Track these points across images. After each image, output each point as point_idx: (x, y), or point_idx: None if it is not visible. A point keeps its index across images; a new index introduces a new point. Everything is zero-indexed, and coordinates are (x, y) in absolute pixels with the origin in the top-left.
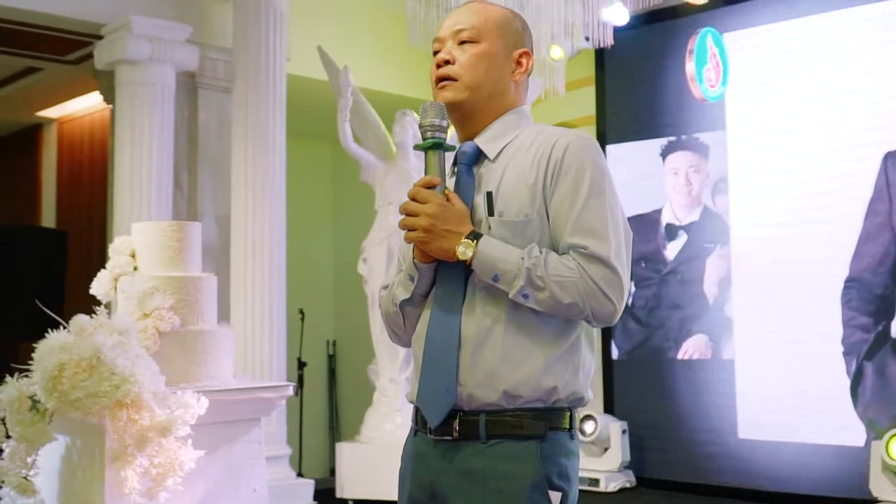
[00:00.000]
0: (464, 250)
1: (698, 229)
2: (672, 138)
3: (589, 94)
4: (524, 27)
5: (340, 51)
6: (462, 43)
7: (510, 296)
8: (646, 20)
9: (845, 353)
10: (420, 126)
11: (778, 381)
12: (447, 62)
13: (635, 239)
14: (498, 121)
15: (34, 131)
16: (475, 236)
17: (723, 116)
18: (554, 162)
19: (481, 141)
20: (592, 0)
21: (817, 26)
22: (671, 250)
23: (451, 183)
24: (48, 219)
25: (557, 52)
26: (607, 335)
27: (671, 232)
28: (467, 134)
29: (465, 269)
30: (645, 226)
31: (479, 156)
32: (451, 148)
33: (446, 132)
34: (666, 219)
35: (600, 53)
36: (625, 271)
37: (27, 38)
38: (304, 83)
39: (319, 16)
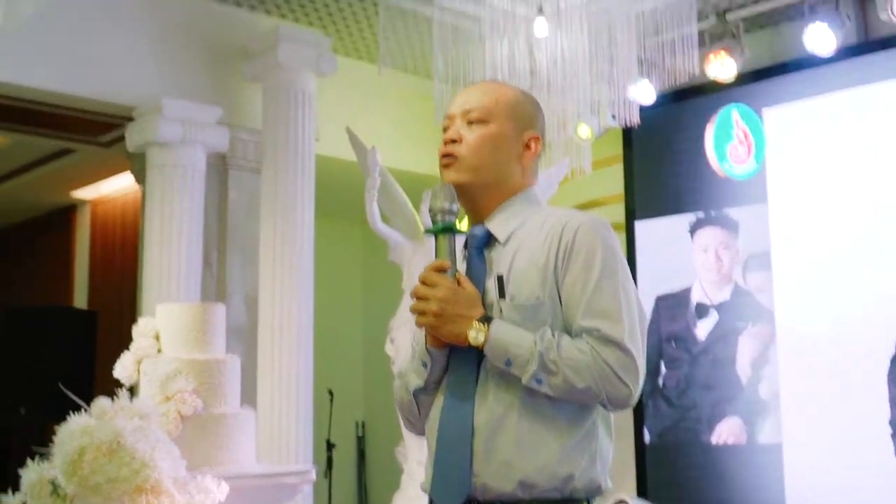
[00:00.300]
0: (475, 335)
1: (729, 308)
2: (700, 214)
3: (616, 171)
4: (537, 109)
5: (368, 131)
6: (471, 122)
7: (523, 381)
8: (673, 98)
9: (893, 435)
10: (430, 210)
11: (823, 464)
12: (454, 141)
13: (665, 318)
14: (507, 203)
15: (68, 212)
16: (487, 320)
17: (753, 192)
18: (565, 244)
19: (491, 224)
20: (618, 79)
21: (858, 98)
22: (702, 329)
23: (463, 266)
24: (80, 299)
25: (584, 131)
26: (639, 417)
27: (701, 311)
28: (477, 216)
29: (477, 355)
30: (674, 304)
31: (489, 239)
32: (462, 232)
33: (457, 216)
34: (696, 297)
35: (627, 132)
36: (639, 354)
37: (61, 121)
38: (333, 163)
39: (348, 97)
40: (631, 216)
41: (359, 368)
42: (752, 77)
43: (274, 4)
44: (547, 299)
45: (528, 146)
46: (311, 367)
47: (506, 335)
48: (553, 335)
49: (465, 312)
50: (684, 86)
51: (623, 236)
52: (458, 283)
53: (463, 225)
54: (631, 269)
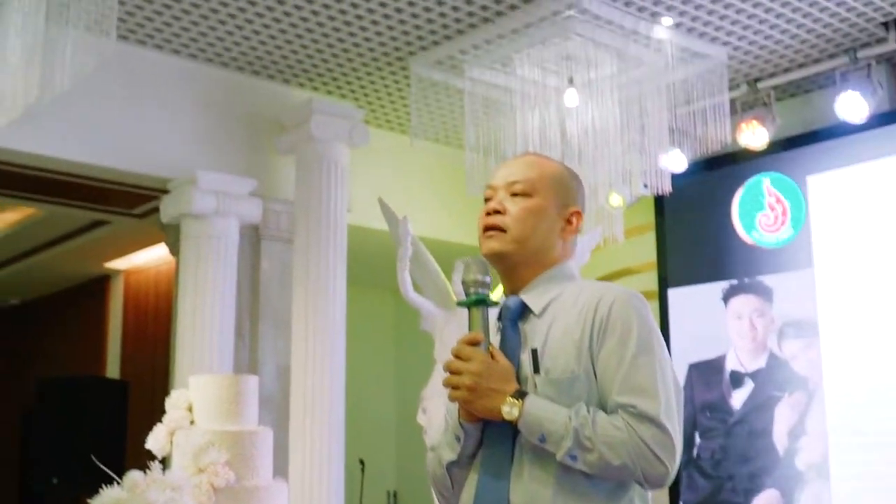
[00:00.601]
0: (509, 409)
1: (765, 376)
2: (734, 281)
3: (649, 240)
4: (579, 185)
5: (400, 201)
6: (514, 195)
7: (558, 457)
8: (705, 166)
9: None
10: (463, 282)
11: None
12: (497, 212)
13: (699, 387)
14: (543, 275)
15: (102, 282)
16: (521, 395)
17: (788, 259)
18: (600, 318)
19: (526, 296)
20: (650, 148)
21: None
22: (737, 399)
23: (496, 338)
24: (113, 369)
25: (616, 200)
26: (674, 490)
27: (736, 379)
28: (512, 287)
29: (512, 430)
30: (708, 373)
31: (524, 311)
32: (495, 304)
33: (489, 288)
34: (730, 365)
35: (659, 200)
36: (676, 431)
37: (96, 193)
38: (365, 233)
39: (380, 167)
40: (664, 284)
41: (391, 438)
42: (785, 145)
43: (307, 77)
44: (582, 374)
45: (569, 221)
46: (342, 437)
47: (540, 410)
48: (588, 411)
49: (499, 387)
50: (717, 154)
51: (656, 304)
52: (492, 356)
53: (497, 293)
54: (664, 337)
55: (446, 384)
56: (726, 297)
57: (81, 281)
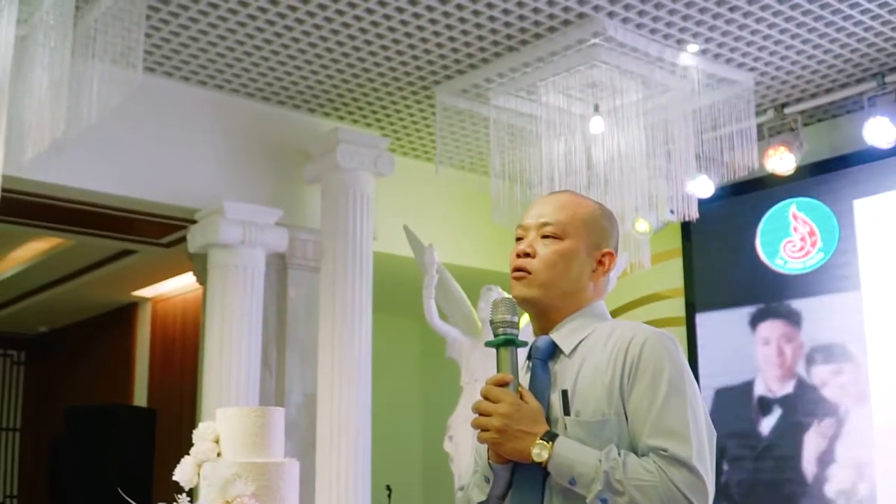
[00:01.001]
0: (539, 452)
1: (793, 402)
2: (761, 306)
3: (675, 265)
4: (612, 225)
5: (426, 228)
6: (546, 237)
7: (588, 501)
8: (732, 191)
9: None
10: (491, 322)
11: None
12: (527, 254)
13: (726, 413)
14: (574, 316)
15: (129, 310)
16: (551, 437)
17: (817, 284)
18: (631, 360)
19: (556, 336)
20: (676, 174)
21: None
22: (765, 425)
23: (525, 378)
24: (140, 396)
25: (643, 226)
26: None
27: (765, 405)
28: (542, 326)
29: (542, 472)
30: (735, 398)
31: (554, 351)
32: (523, 343)
33: (518, 327)
34: (758, 391)
35: (686, 225)
36: (708, 474)
37: (123, 223)
38: (392, 260)
39: (405, 195)
40: (691, 309)
41: (417, 464)
42: (813, 170)
43: (332, 107)
44: (612, 416)
45: (601, 262)
46: (368, 465)
47: (570, 453)
48: (619, 454)
49: (529, 429)
50: (744, 179)
51: (683, 330)
52: (521, 396)
53: (524, 319)
54: (691, 363)
55: (475, 426)
56: (753, 322)
57: (109, 309)
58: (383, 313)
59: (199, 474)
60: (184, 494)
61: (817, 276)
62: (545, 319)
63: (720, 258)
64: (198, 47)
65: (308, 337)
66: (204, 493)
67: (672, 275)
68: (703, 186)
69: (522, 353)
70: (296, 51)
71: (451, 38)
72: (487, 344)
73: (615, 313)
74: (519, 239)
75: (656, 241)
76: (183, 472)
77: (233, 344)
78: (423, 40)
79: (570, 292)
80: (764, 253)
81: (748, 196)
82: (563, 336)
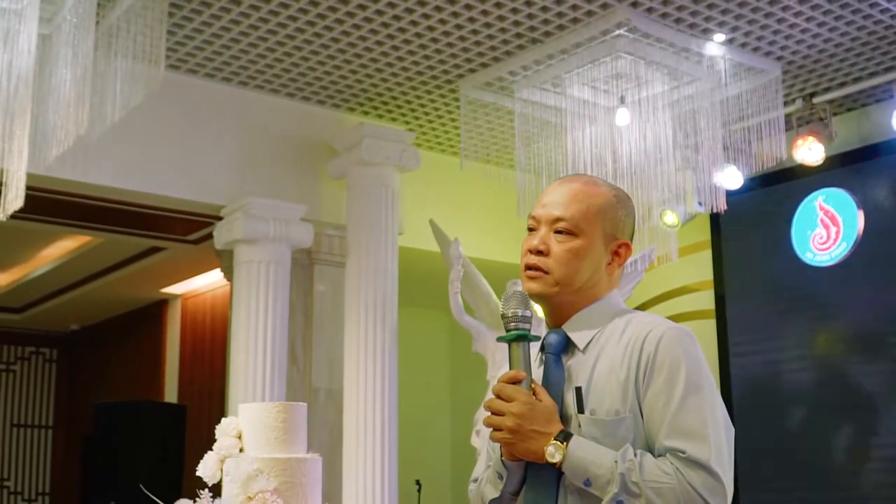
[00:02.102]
0: (553, 452)
1: (820, 393)
2: (792, 298)
3: (704, 258)
4: (628, 214)
5: (451, 222)
6: (559, 232)
7: (604, 502)
8: (762, 182)
9: None
10: (503, 317)
11: None
12: (540, 252)
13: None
14: (589, 308)
15: (159, 307)
16: (565, 437)
17: (842, 276)
18: (647, 356)
19: (570, 330)
20: (704, 165)
21: None
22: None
23: (538, 372)
24: (171, 393)
25: (671, 218)
26: None
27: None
28: (555, 321)
29: (556, 471)
30: (765, 392)
31: (567, 345)
32: (536, 338)
33: (530, 322)
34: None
35: (715, 217)
36: (727, 475)
37: (151, 220)
38: (418, 255)
39: (430, 190)
40: (721, 302)
41: (447, 459)
42: (843, 160)
43: (357, 102)
44: (628, 414)
45: (616, 253)
46: (395, 459)
47: (585, 454)
48: (635, 454)
49: (542, 429)
50: (773, 170)
51: (713, 323)
52: (535, 393)
53: (538, 312)
54: (722, 356)
55: (487, 425)
56: (782, 314)
57: (139, 306)
58: (411, 307)
59: (221, 470)
60: (206, 490)
61: (842, 268)
62: (559, 313)
63: (750, 250)
64: (221, 44)
65: (335, 332)
66: (227, 488)
67: (701, 267)
68: (732, 178)
69: (535, 344)
70: (319, 46)
71: (475, 31)
72: (499, 339)
73: (644, 306)
74: (531, 229)
75: (684, 234)
76: (206, 468)
77: (259, 339)
78: (447, 33)
79: (585, 287)
80: (797, 244)
81: (778, 187)
82: (576, 330)
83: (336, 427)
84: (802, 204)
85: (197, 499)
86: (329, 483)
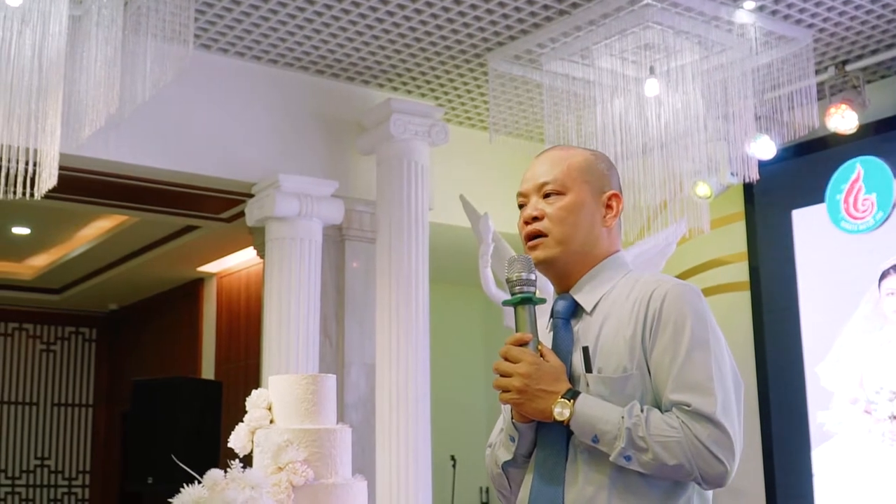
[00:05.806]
0: (560, 410)
1: None
2: (825, 269)
3: (737, 229)
4: (609, 167)
5: (481, 197)
6: (547, 195)
7: (611, 458)
8: (795, 152)
9: None
10: (507, 281)
11: None
12: (535, 218)
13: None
14: (593, 271)
15: (195, 285)
16: (572, 395)
17: (876, 244)
18: (652, 313)
19: (577, 293)
20: (736, 135)
21: None
22: None
23: (548, 337)
24: (207, 369)
25: (703, 190)
26: None
27: None
28: (563, 286)
29: (566, 430)
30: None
31: (575, 308)
32: (541, 300)
33: (535, 285)
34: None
35: (748, 188)
36: (735, 428)
37: (184, 199)
38: (449, 230)
39: (460, 165)
40: (755, 274)
41: (481, 434)
42: (877, 128)
43: (386, 78)
44: (635, 371)
45: (608, 206)
46: (428, 434)
47: (592, 410)
48: (642, 410)
49: (550, 388)
50: (806, 138)
51: (747, 294)
52: (542, 355)
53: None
54: (757, 328)
55: (495, 387)
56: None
57: (176, 285)
58: (444, 283)
59: (252, 441)
60: (237, 460)
61: (876, 236)
62: (566, 278)
63: (784, 220)
64: (251, 23)
65: (366, 307)
66: (257, 459)
67: (734, 239)
68: (765, 147)
69: (545, 312)
70: (347, 23)
71: (503, 4)
72: (505, 303)
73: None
74: (521, 206)
75: (718, 206)
76: (237, 439)
77: (291, 315)
78: (474, 6)
79: (587, 243)
80: (829, 213)
81: (811, 156)
82: (583, 294)
83: (369, 402)
84: (836, 173)
85: (228, 469)
86: (362, 457)
